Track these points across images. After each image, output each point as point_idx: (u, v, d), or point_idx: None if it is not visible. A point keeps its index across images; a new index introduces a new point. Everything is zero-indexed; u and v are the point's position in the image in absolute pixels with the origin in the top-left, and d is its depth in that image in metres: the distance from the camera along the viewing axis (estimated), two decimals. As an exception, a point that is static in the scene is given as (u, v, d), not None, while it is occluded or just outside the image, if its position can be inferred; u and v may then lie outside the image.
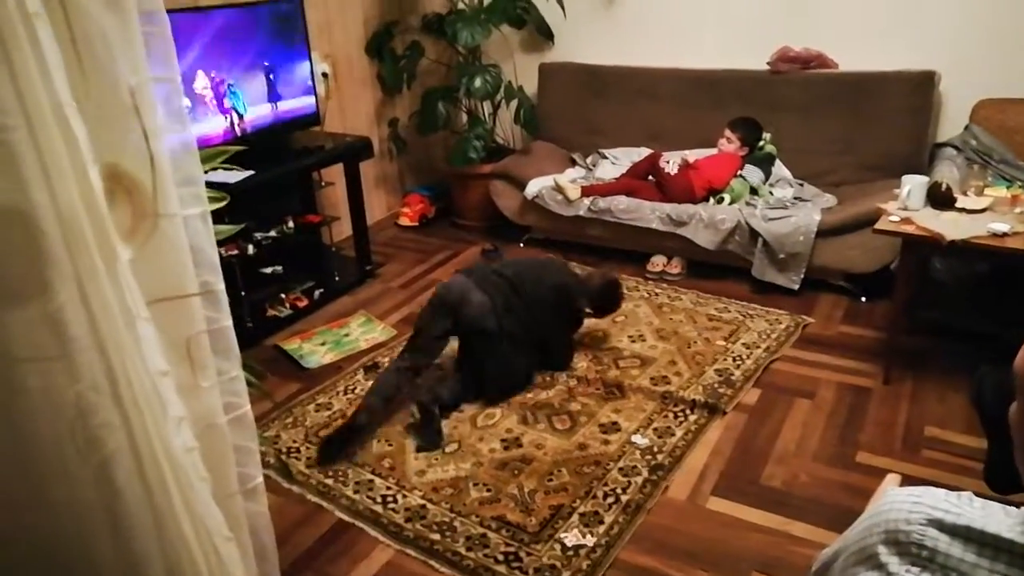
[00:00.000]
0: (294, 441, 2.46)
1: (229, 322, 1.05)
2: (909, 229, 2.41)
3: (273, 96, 3.19)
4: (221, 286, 1.03)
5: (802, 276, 3.19)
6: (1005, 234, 2.28)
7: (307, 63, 3.33)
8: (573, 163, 4.11)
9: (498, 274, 2.64)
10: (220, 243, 2.30)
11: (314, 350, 3.02)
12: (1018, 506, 0.88)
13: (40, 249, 0.75)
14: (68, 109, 0.75)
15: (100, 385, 0.80)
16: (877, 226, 2.49)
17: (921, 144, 3.37)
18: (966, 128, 3.26)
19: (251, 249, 3.12)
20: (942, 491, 0.86)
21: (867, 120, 3.45)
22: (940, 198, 2.51)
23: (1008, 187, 2.67)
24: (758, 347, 2.87)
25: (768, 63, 3.67)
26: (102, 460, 0.82)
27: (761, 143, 3.65)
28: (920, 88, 3.33)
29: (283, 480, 2.29)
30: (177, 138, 0.95)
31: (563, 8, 4.03)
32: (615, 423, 2.46)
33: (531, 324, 2.61)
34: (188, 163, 0.97)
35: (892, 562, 0.80)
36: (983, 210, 2.45)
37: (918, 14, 3.38)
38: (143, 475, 0.85)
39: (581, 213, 3.59)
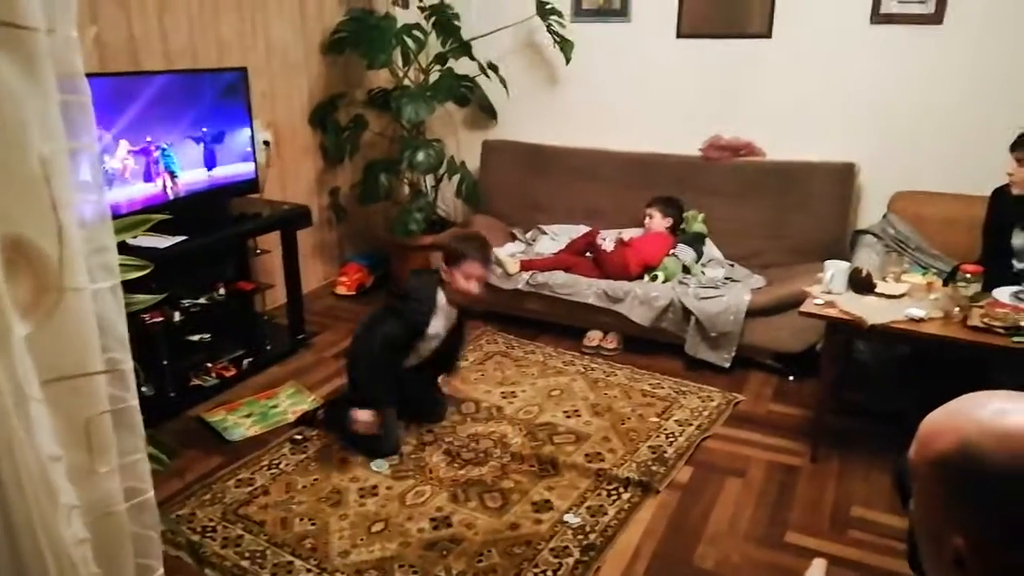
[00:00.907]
0: (210, 520, 2.33)
1: (135, 401, 0.99)
2: (832, 312, 2.50)
3: (209, 161, 3.15)
4: (129, 364, 0.98)
5: (733, 354, 3.26)
6: (921, 319, 2.38)
7: (247, 130, 3.31)
8: (513, 238, 4.16)
9: None
10: (144, 310, 2.23)
11: (239, 422, 2.90)
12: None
13: (-76, 324, 0.70)
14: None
15: (-23, 472, 0.74)
16: (802, 309, 2.57)
17: (843, 230, 3.55)
18: (884, 216, 3.45)
19: (177, 316, 3.01)
20: None
21: (793, 206, 3.61)
22: (861, 283, 2.61)
23: (924, 274, 2.80)
24: (691, 424, 2.89)
25: (700, 149, 3.84)
26: (-25, 555, 0.75)
27: (685, 217, 3.77)
28: (841, 178, 3.52)
29: (195, 563, 2.15)
30: (91, 208, 0.92)
31: (506, 89, 4.16)
32: (548, 501, 2.42)
33: None
34: (101, 233, 0.93)
35: None
36: (901, 295, 2.56)
37: (839, 109, 3.61)
38: (22, 572, 0.78)
39: (520, 287, 3.61)
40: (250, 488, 2.50)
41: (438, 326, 2.73)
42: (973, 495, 0.73)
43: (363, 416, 2.61)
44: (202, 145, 3.11)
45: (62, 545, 0.83)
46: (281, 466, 2.63)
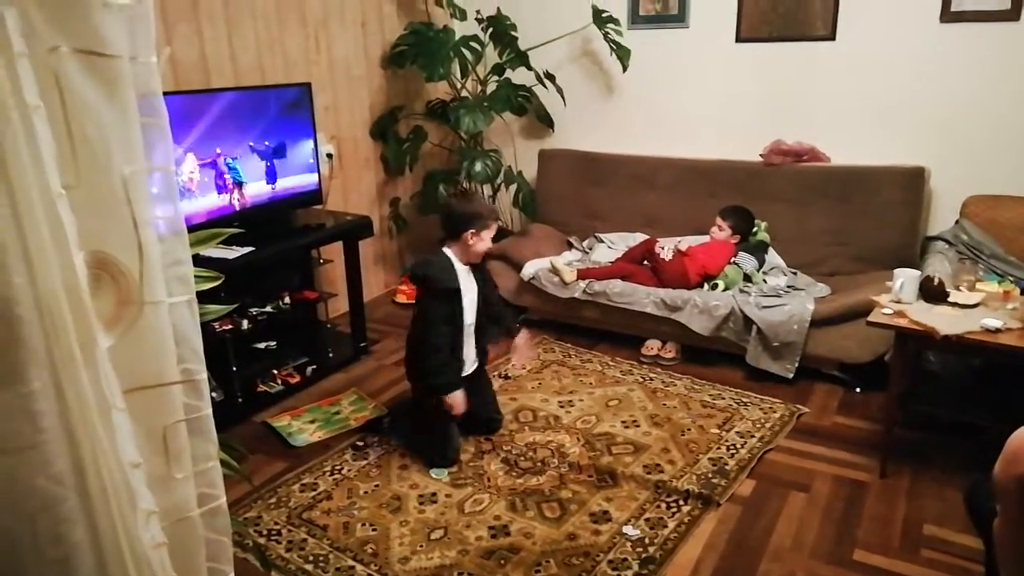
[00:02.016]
0: (276, 523, 2.40)
1: (209, 410, 1.04)
2: (902, 322, 2.41)
3: (275, 174, 3.25)
4: (203, 375, 1.02)
5: (796, 365, 3.18)
6: (998, 330, 2.28)
7: (311, 143, 3.41)
8: (570, 246, 4.15)
9: None
10: (215, 319, 2.31)
11: (303, 428, 2.98)
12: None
13: (16, 336, 0.75)
14: (57, 197, 0.77)
15: (65, 477, 0.78)
16: (870, 318, 2.49)
17: (912, 237, 3.42)
18: (956, 222, 3.32)
19: (245, 324, 3.11)
20: None
21: (859, 213, 3.51)
22: (933, 292, 2.52)
23: (999, 282, 2.68)
24: (752, 436, 2.83)
25: (761, 155, 3.77)
26: (62, 556, 0.79)
27: (755, 230, 3.70)
28: (911, 183, 3.40)
29: (261, 566, 2.21)
30: (168, 223, 0.97)
31: (563, 98, 4.17)
32: (606, 512, 2.40)
33: None
34: (177, 247, 0.98)
35: None
36: (975, 305, 2.46)
37: (908, 112, 3.50)
38: (105, 573, 0.82)
39: (577, 295, 3.60)
40: (314, 493, 2.56)
41: (467, 288, 2.73)
42: None
43: (456, 400, 2.64)
44: (267, 158, 3.21)
45: (141, 549, 0.88)
46: (343, 472, 2.68)
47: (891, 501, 2.44)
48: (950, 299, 2.50)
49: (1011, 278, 2.89)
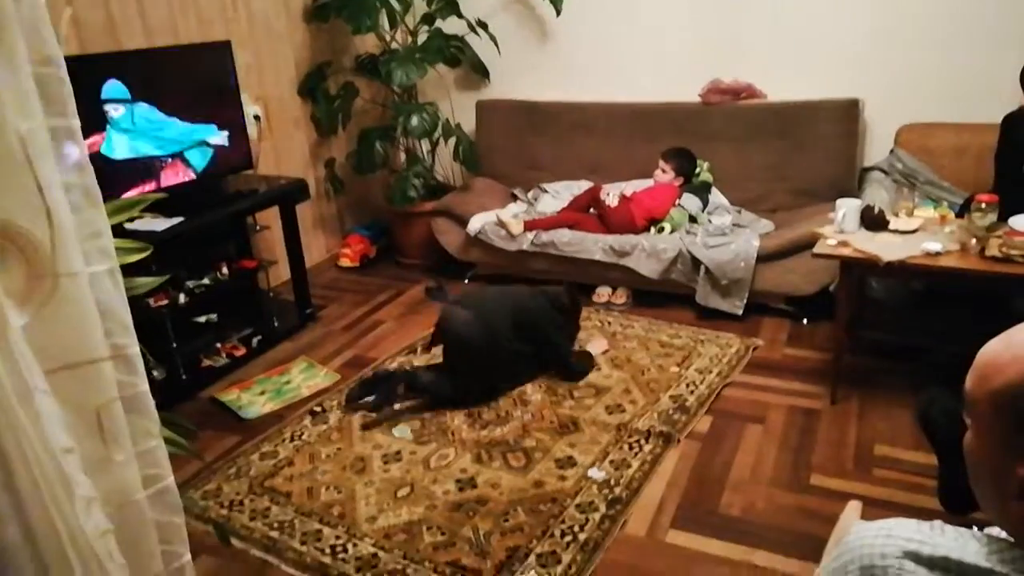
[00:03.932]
0: (237, 493, 2.34)
1: (145, 386, 0.96)
2: (846, 252, 2.45)
3: (200, 138, 3.07)
4: (135, 348, 0.94)
5: (745, 301, 3.22)
6: (938, 253, 2.33)
7: (236, 104, 3.23)
8: (514, 198, 4.09)
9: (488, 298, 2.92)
10: (148, 294, 2.19)
11: (253, 400, 2.89)
12: (981, 527, 0.86)
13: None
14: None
15: (-14, 472, 0.71)
16: (816, 250, 2.52)
17: (850, 168, 3.47)
18: (891, 152, 3.37)
19: (183, 298, 2.98)
20: (913, 521, 0.83)
21: (797, 147, 3.53)
22: (874, 220, 2.56)
23: (935, 207, 2.74)
24: (710, 372, 2.86)
25: (700, 95, 3.75)
26: (-7, 555, 0.73)
27: (697, 171, 3.70)
28: (846, 115, 3.43)
29: (220, 540, 2.14)
30: (81, 190, 0.87)
31: (497, 46, 4.05)
32: (571, 457, 2.41)
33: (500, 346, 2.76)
34: (94, 216, 0.89)
35: None
36: (915, 231, 2.51)
37: (841, 46, 3.50)
38: (45, 571, 0.75)
39: (525, 247, 3.56)
40: (274, 461, 2.50)
41: None
42: None
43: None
44: (192, 123, 3.03)
45: (84, 539, 0.81)
46: (303, 437, 2.62)
47: (842, 426, 2.51)
48: (890, 227, 2.55)
49: (946, 202, 2.96)
